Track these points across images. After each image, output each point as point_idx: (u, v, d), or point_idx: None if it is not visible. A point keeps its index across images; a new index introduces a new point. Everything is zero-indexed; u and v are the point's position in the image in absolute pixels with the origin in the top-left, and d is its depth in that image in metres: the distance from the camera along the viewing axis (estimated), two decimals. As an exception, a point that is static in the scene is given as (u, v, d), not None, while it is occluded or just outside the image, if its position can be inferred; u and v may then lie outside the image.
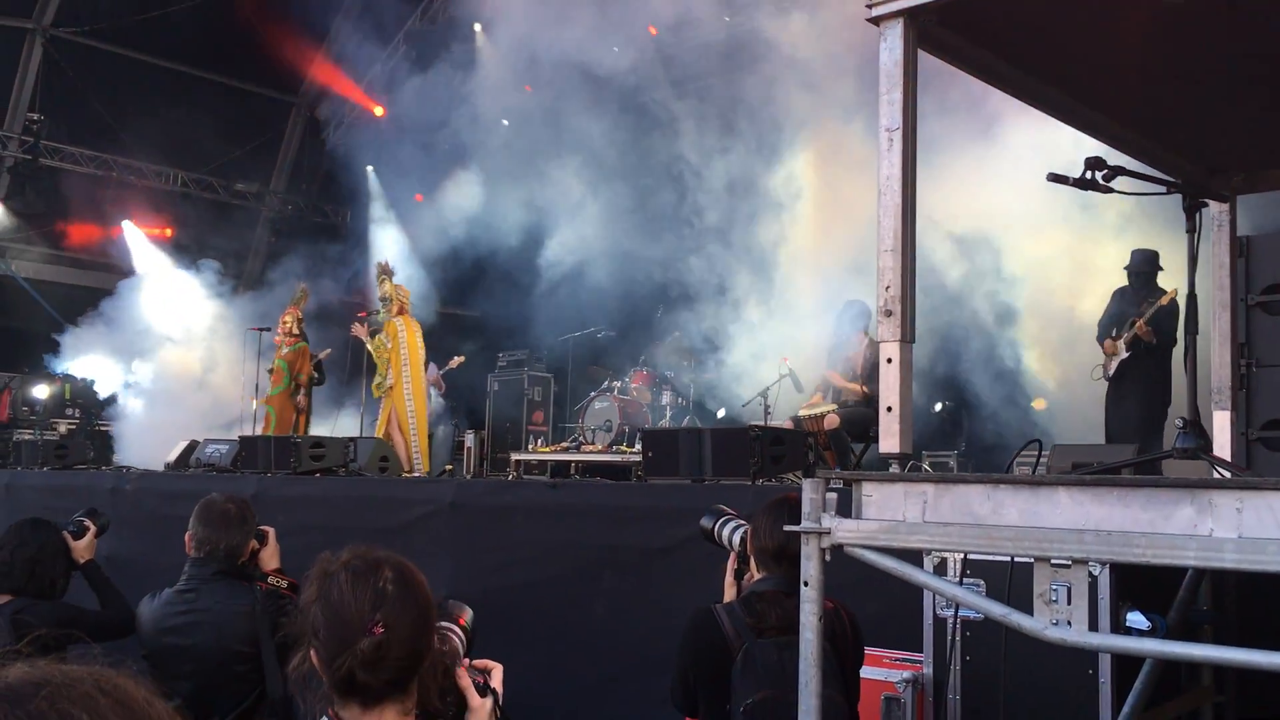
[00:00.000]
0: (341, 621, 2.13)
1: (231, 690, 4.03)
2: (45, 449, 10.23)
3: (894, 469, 2.59)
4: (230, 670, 4.02)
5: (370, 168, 17.79)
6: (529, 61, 14.51)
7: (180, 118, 15.63)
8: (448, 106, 15.91)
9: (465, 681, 2.28)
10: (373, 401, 12.56)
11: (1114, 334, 8.56)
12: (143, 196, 16.92)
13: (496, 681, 2.34)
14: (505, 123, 16.38)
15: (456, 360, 13.39)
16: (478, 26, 16.18)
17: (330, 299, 15.56)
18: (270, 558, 4.35)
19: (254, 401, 12.85)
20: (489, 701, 2.29)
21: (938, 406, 10.95)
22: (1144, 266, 8.51)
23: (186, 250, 16.78)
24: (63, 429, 14.33)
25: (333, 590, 2.17)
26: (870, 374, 8.78)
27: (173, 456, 10.22)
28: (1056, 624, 2.24)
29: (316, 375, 13.01)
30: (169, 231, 16.91)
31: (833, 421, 9.00)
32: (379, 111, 17.21)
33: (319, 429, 12.57)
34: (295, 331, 12.82)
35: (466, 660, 2.38)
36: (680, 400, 11.25)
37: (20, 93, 15.83)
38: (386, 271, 12.55)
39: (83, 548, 4.75)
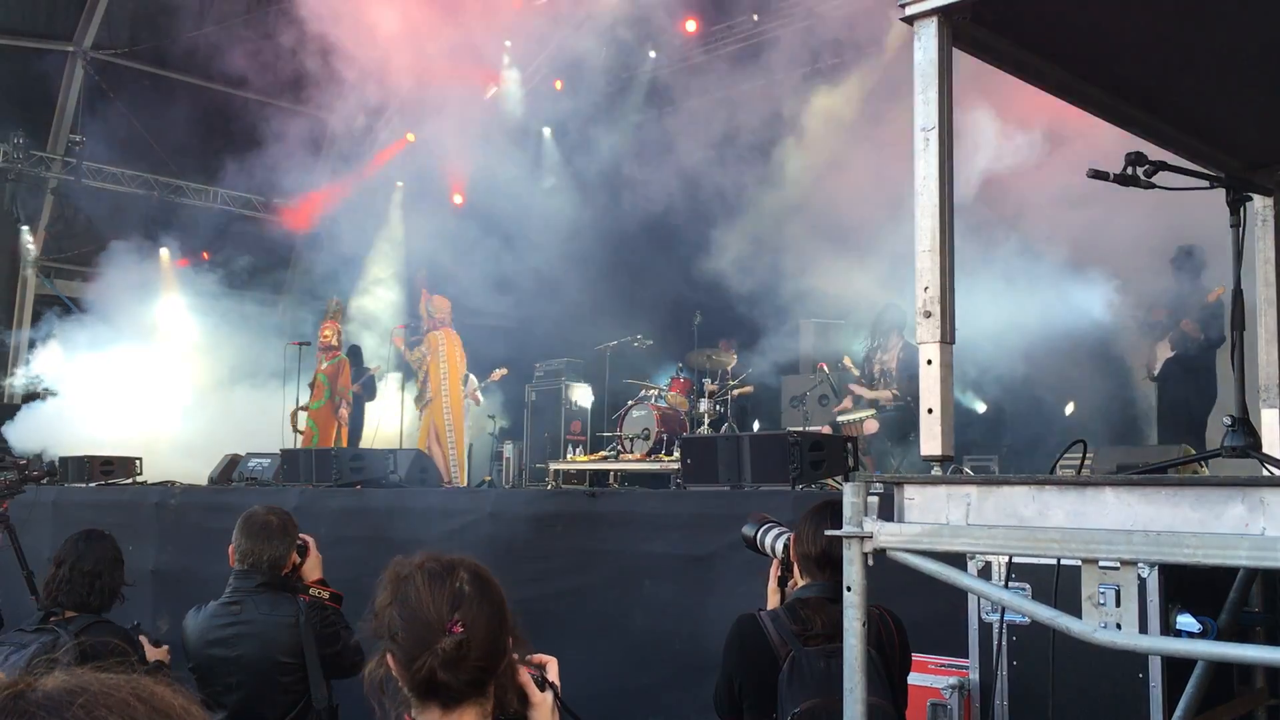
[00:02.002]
0: (421, 622, 2.13)
1: (277, 701, 4.06)
2: (91, 465, 10.36)
3: (936, 471, 2.56)
4: (276, 681, 4.05)
5: (400, 183, 17.94)
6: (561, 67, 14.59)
7: (220, 136, 15.83)
8: (482, 117, 16.03)
9: (524, 678, 2.29)
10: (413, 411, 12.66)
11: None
12: (183, 215, 17.13)
13: (553, 675, 2.35)
14: (546, 131, 16.47)
15: (498, 373, 13.43)
16: (508, 42, 16.33)
17: (370, 311, 15.67)
18: (312, 569, 4.38)
19: (302, 416, 12.95)
20: (549, 695, 2.29)
21: (981, 408, 10.86)
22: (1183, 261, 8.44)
23: (225, 267, 16.98)
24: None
25: (410, 592, 2.17)
26: (905, 376, 8.76)
27: (216, 471, 10.33)
28: (1105, 627, 2.20)
29: (366, 392, 13.11)
30: (205, 255, 17.15)
31: (872, 426, 8.97)
32: (410, 137, 17.45)
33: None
34: (335, 344, 12.93)
35: (516, 656, 2.39)
36: (718, 407, 11.22)
37: (62, 114, 16.08)
38: (424, 283, 12.65)
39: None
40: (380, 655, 2.19)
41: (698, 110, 14.06)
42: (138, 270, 15.67)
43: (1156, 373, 8.50)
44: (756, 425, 12.16)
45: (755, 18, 13.78)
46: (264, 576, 4.15)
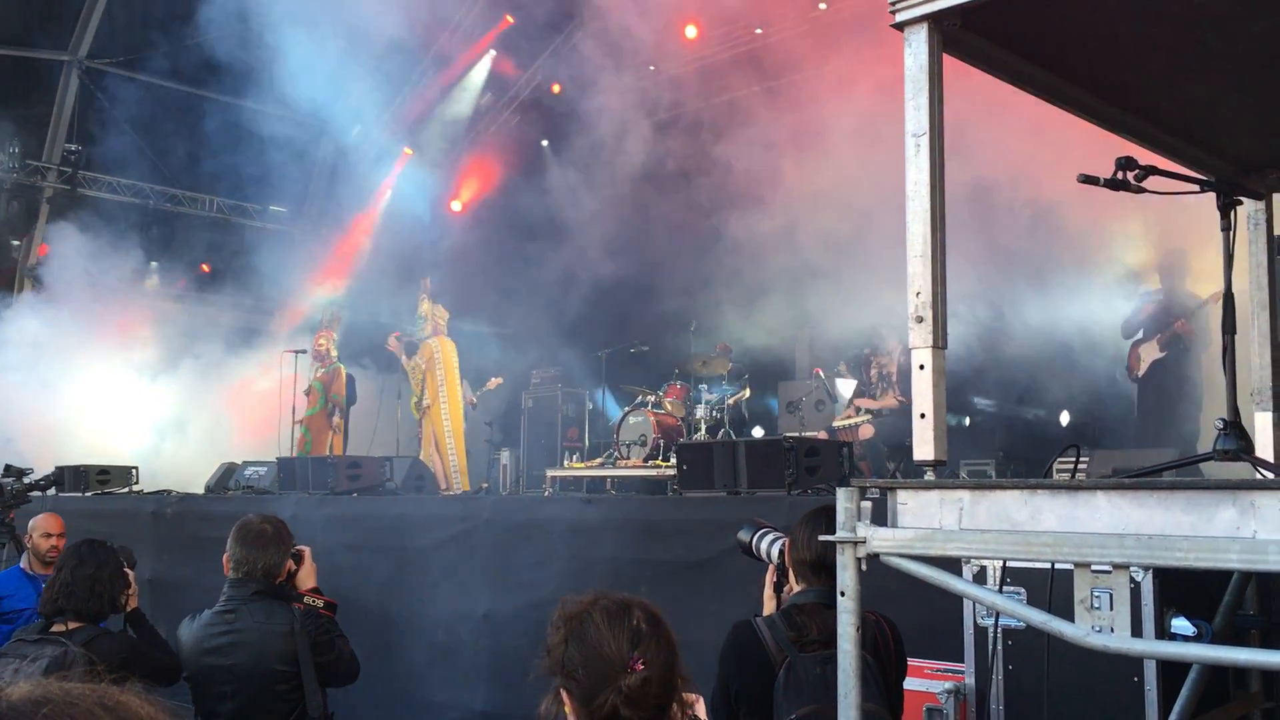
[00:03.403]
0: (602, 659, 2.18)
1: (273, 709, 4.05)
2: (88, 474, 10.34)
3: (929, 476, 2.56)
4: (271, 690, 4.04)
5: (389, 190, 17.96)
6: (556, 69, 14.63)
7: (215, 145, 15.82)
8: (478, 131, 16.07)
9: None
10: (410, 419, 12.64)
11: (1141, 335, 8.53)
12: (178, 224, 17.13)
13: (701, 712, 2.39)
14: (545, 144, 16.51)
15: (494, 382, 13.42)
16: (491, 52, 16.43)
17: (365, 318, 15.66)
18: (307, 577, 4.37)
19: (293, 424, 12.95)
20: None
21: (965, 420, 10.88)
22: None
23: (221, 276, 16.99)
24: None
25: (589, 630, 2.22)
26: (904, 381, 8.79)
27: (212, 479, 10.33)
28: (1099, 630, 2.20)
29: (347, 395, 13.09)
30: (205, 267, 17.13)
31: (867, 431, 8.99)
32: (407, 151, 17.50)
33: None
34: (329, 353, 12.93)
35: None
36: (715, 414, 11.22)
37: (58, 124, 16.07)
38: (425, 291, 12.64)
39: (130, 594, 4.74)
40: (554, 692, 2.23)
41: (695, 117, 14.07)
42: (131, 277, 15.65)
43: (1141, 374, 8.50)
44: (760, 431, 12.16)
45: (759, 31, 13.80)
46: (258, 585, 4.14)
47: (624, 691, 2.14)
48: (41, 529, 6.54)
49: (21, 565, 6.41)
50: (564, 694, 2.21)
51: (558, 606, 2.30)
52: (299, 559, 4.34)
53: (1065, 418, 10.22)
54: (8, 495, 7.46)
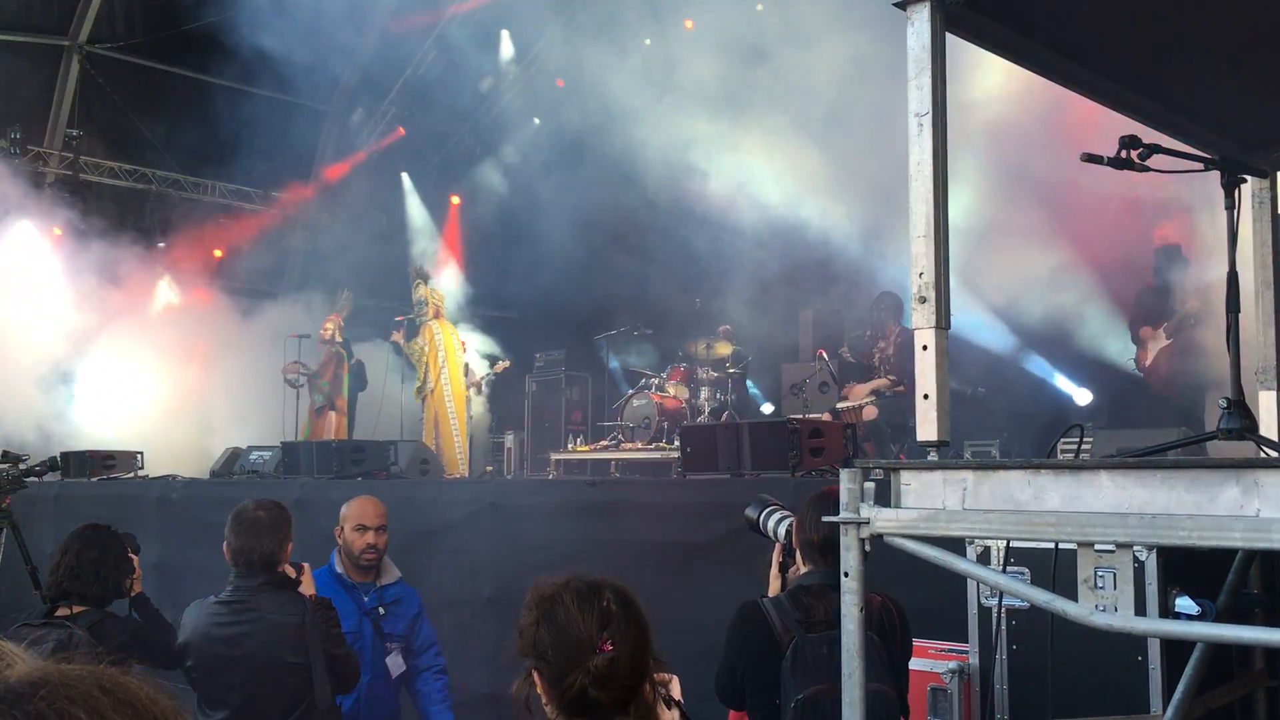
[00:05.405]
0: (571, 641, 2.19)
1: (281, 701, 4.02)
2: (93, 460, 10.36)
3: (932, 457, 2.56)
4: (280, 681, 4.02)
5: (405, 174, 17.94)
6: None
7: (217, 130, 15.76)
8: (476, 110, 15.99)
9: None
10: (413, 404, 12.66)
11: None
12: (182, 209, 17.09)
13: (676, 692, 2.39)
14: (536, 121, 16.46)
15: (501, 365, 13.41)
16: (505, 32, 16.36)
17: (368, 303, 15.65)
18: (305, 588, 4.30)
19: (297, 409, 12.98)
20: (676, 713, 2.36)
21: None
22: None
23: (227, 260, 16.96)
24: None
25: (558, 612, 2.23)
26: (901, 362, 8.79)
27: (217, 464, 10.35)
28: (1103, 610, 2.20)
29: (356, 381, 13.11)
30: (217, 253, 17.07)
31: (871, 412, 8.98)
32: (401, 131, 17.47)
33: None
34: (337, 339, 12.96)
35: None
36: (719, 395, 11.22)
37: (59, 109, 16.02)
38: (422, 275, 12.64)
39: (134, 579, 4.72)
40: (526, 674, 2.25)
41: (694, 94, 14.01)
42: (134, 263, 15.63)
43: (1149, 363, 8.49)
44: (770, 408, 12.16)
45: (760, 8, 13.72)
46: (266, 575, 4.12)
47: (592, 672, 2.15)
48: (355, 519, 4.90)
49: (335, 568, 4.89)
50: (535, 675, 2.22)
51: (530, 588, 2.31)
52: (299, 571, 4.31)
53: (1087, 397, 10.16)
54: (3, 481, 7.36)
